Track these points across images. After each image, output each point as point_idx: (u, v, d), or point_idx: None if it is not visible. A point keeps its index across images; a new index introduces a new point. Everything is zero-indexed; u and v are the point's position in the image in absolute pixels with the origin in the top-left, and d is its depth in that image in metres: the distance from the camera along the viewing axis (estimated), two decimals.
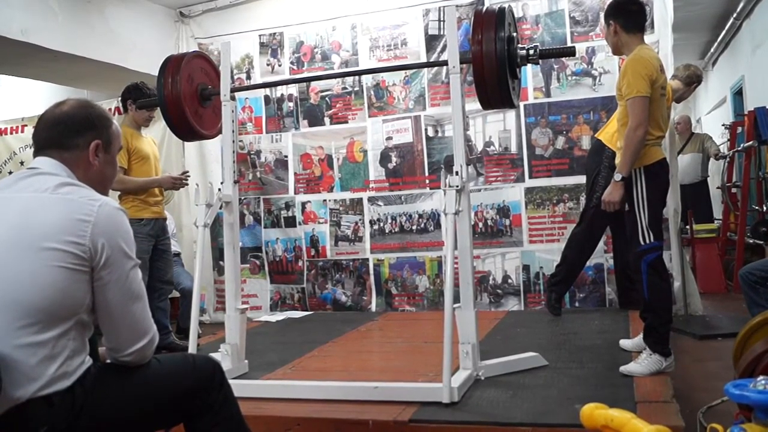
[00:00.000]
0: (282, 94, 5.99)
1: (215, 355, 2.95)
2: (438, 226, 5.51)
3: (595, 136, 4.81)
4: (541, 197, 5.28)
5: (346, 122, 5.81)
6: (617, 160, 3.35)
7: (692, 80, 5.17)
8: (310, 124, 5.92)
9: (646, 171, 3.24)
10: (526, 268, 5.31)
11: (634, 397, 2.84)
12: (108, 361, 1.87)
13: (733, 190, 7.26)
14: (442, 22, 5.42)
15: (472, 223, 3.50)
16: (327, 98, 5.86)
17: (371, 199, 5.74)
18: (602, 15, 4.54)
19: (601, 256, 5.03)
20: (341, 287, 5.82)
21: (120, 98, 4.68)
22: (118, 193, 4.46)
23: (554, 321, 4.67)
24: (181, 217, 6.28)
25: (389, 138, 5.67)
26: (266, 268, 6.03)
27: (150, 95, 4.49)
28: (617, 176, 3.25)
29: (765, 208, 6.87)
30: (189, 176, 4.76)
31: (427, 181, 5.58)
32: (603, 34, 3.67)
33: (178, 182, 4.68)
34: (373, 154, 5.72)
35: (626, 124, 3.24)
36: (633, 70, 3.22)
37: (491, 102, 3.32)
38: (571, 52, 3.58)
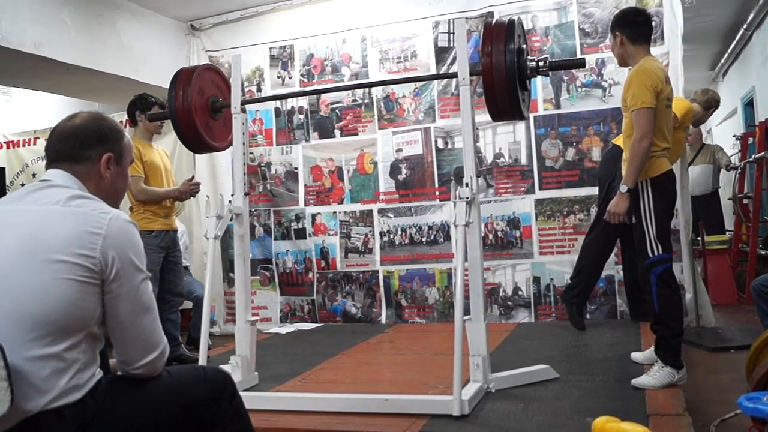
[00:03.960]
0: (292, 107, 6.01)
1: (225, 367, 2.95)
2: (448, 237, 5.50)
3: (613, 141, 4.79)
4: (552, 209, 5.27)
5: (357, 134, 5.83)
6: (623, 172, 3.35)
7: (710, 104, 5.26)
8: (321, 136, 5.94)
9: (652, 183, 3.25)
10: (536, 280, 5.29)
11: (646, 410, 2.83)
12: (119, 373, 1.87)
13: (745, 201, 7.22)
14: (451, 35, 5.44)
15: (482, 234, 3.49)
16: (337, 110, 5.88)
17: (381, 211, 5.74)
18: None
19: (612, 267, 5.01)
20: (351, 299, 5.82)
21: (126, 112, 4.69)
22: (129, 204, 4.48)
23: (565, 333, 4.65)
24: (192, 228, 6.29)
25: (399, 150, 5.67)
26: (276, 279, 6.04)
27: (155, 103, 4.53)
28: (623, 188, 3.26)
29: None
30: (197, 183, 4.74)
31: (437, 193, 5.58)
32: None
33: (194, 191, 4.67)
34: (383, 166, 5.73)
35: (632, 135, 3.24)
36: (638, 82, 3.22)
37: (501, 114, 3.33)
38: (580, 64, 3.58)
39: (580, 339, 4.46)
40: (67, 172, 1.87)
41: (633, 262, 4.32)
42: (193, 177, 4.81)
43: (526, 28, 4.67)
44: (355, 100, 5.83)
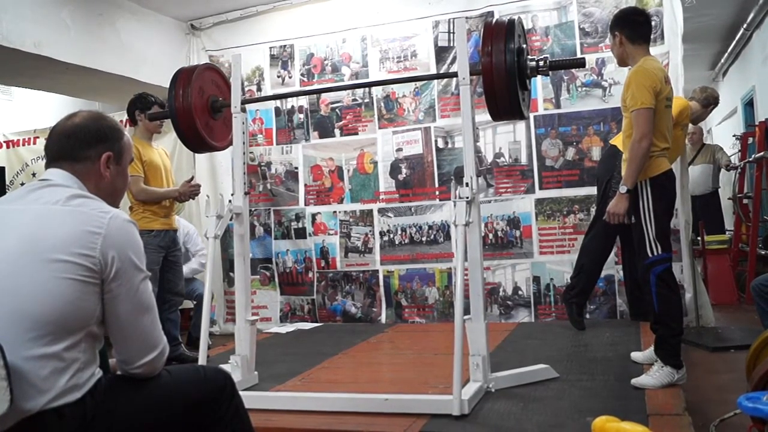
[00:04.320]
0: (292, 106, 6.01)
1: (225, 367, 2.95)
2: (448, 237, 5.50)
3: (610, 141, 4.80)
4: (552, 208, 5.27)
5: (357, 134, 5.82)
6: (623, 172, 3.34)
7: (709, 102, 5.26)
8: (321, 136, 5.93)
9: (651, 182, 3.24)
10: (536, 280, 5.29)
11: (646, 410, 2.83)
12: (118, 372, 1.87)
13: (745, 201, 7.22)
14: (452, 34, 5.44)
15: (482, 234, 3.49)
16: (337, 110, 5.88)
17: (381, 211, 5.74)
18: None
19: (612, 267, 5.01)
20: (351, 299, 5.81)
21: (126, 111, 4.69)
22: (129, 204, 4.48)
23: (565, 333, 4.65)
24: None
25: (399, 149, 5.67)
26: (276, 279, 6.04)
27: (154, 102, 4.53)
28: (622, 188, 3.26)
29: None
30: (198, 184, 4.74)
31: (437, 193, 5.58)
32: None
33: (194, 192, 4.67)
34: (383, 166, 5.72)
35: (631, 135, 3.24)
36: (637, 82, 3.22)
37: (501, 113, 3.32)
38: (580, 64, 3.58)
39: (580, 339, 4.45)
40: (67, 172, 1.87)
41: (633, 262, 4.32)
42: (192, 178, 4.81)
43: (526, 27, 4.67)
44: (355, 100, 5.83)
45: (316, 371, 3.99)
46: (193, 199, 4.81)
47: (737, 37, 8.44)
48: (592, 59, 5.10)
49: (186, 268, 5.18)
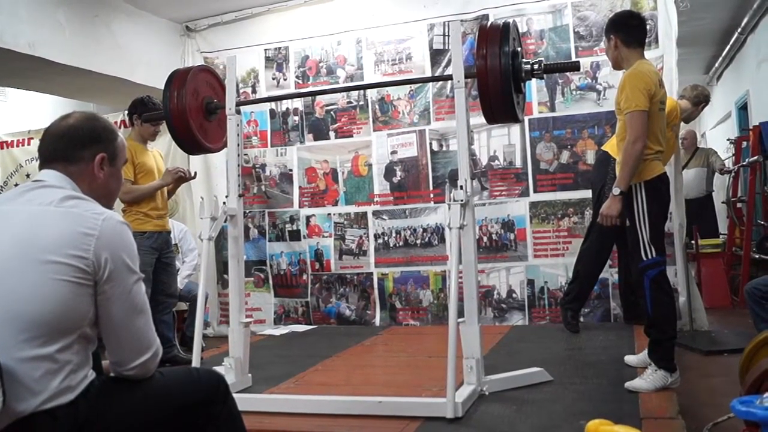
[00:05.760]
0: (287, 108, 6.01)
1: (218, 369, 2.94)
2: (442, 240, 5.50)
3: (602, 147, 4.81)
4: (546, 211, 5.27)
5: (351, 136, 5.82)
6: (616, 174, 3.35)
7: (700, 100, 5.24)
8: (315, 138, 5.93)
9: (646, 186, 3.25)
10: (530, 283, 5.29)
11: (640, 414, 2.83)
12: (111, 374, 1.87)
13: (739, 204, 7.25)
14: (447, 37, 5.44)
15: (477, 237, 3.49)
16: (332, 112, 5.87)
17: (376, 213, 5.74)
18: None
19: (606, 270, 5.00)
20: (345, 301, 5.81)
21: (126, 112, 4.69)
22: (122, 206, 4.46)
23: (559, 336, 4.65)
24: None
25: (394, 152, 5.67)
26: (270, 281, 6.03)
27: (156, 109, 4.49)
28: (615, 190, 3.27)
29: None
30: (187, 171, 4.69)
31: (432, 195, 5.58)
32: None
33: (179, 173, 4.61)
34: (378, 168, 5.72)
35: (625, 138, 3.25)
36: (631, 85, 3.23)
37: (496, 116, 3.33)
38: (575, 67, 3.59)
39: (573, 342, 4.46)
40: (61, 173, 1.87)
41: (627, 265, 4.33)
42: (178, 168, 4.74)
43: (520, 30, 4.68)
44: (350, 102, 5.82)
45: (309, 374, 3.98)
46: (184, 182, 4.74)
47: (731, 41, 8.46)
48: (586, 62, 5.11)
49: (179, 280, 5.17)
